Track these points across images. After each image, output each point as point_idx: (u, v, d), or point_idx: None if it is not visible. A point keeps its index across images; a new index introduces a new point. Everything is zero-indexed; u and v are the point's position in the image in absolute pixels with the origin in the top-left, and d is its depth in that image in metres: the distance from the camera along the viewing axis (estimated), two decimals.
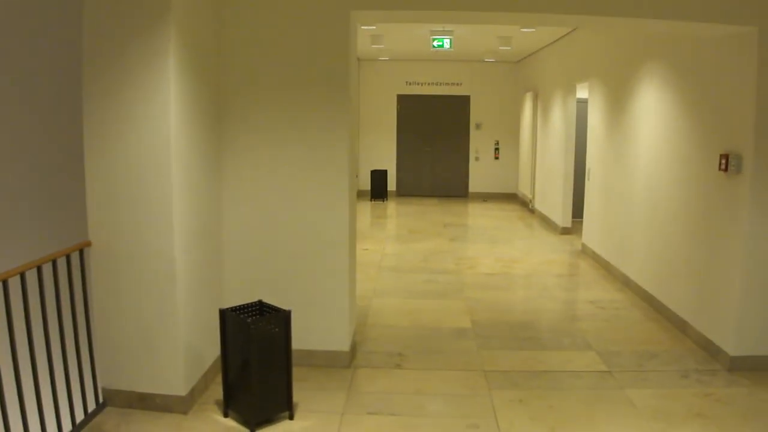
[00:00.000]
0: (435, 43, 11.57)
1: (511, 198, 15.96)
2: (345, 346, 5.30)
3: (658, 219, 6.90)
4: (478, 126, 16.17)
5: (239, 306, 4.56)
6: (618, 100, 8.32)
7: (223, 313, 4.43)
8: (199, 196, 4.76)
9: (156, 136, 4.23)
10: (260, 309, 4.62)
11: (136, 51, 4.18)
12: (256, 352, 4.27)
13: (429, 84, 15.98)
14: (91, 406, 4.37)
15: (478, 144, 16.27)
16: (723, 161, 5.42)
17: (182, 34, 4.31)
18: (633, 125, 7.76)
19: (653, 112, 7.10)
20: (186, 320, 4.50)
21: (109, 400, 4.51)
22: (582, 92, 10.82)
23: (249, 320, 4.38)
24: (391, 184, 16.10)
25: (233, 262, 5.24)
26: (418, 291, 7.70)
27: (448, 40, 11.43)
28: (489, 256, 9.70)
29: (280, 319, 4.43)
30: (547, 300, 7.52)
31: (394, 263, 9.20)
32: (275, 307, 4.55)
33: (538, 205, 13.27)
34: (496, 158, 16.29)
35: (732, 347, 5.33)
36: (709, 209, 5.78)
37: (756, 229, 5.19)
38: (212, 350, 4.81)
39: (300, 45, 5.05)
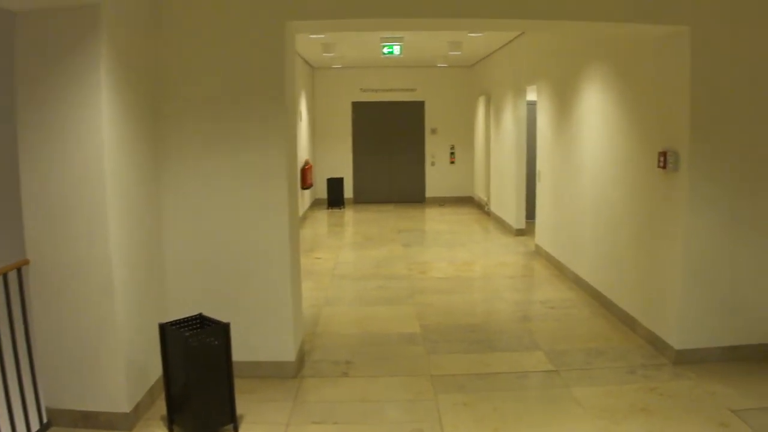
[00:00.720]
0: (385, 50, 11.59)
1: (468, 201, 16.03)
2: (291, 356, 5.24)
3: (605, 218, 6.96)
4: (433, 131, 16.21)
5: (179, 320, 4.49)
6: (564, 101, 8.40)
7: (163, 328, 4.36)
8: (137, 209, 4.68)
9: (89, 151, 4.17)
10: (201, 322, 4.55)
11: (68, 67, 4.12)
12: (197, 366, 4.21)
13: (383, 90, 15.98)
14: (35, 427, 4.25)
15: (434, 149, 16.31)
16: (662, 159, 5.48)
17: (115, 48, 4.25)
18: (578, 126, 7.83)
19: (596, 113, 7.17)
20: (127, 336, 4.42)
21: (54, 419, 4.39)
22: (532, 95, 10.90)
23: (187, 334, 4.32)
24: (348, 192, 16.05)
25: (176, 275, 5.15)
26: (370, 298, 7.66)
27: (398, 47, 11.44)
28: (443, 261, 9.70)
29: (220, 331, 4.37)
30: (499, 302, 7.53)
31: (346, 271, 9.15)
32: (215, 320, 4.49)
33: (494, 208, 13.33)
34: (452, 162, 16.34)
35: (677, 341, 5.39)
36: (651, 206, 5.84)
37: (694, 224, 5.26)
38: (157, 365, 4.72)
39: (237, 56, 4.99)
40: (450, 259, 9.74)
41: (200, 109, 5.03)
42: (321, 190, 15.69)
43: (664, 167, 5.46)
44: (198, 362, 4.22)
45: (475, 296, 7.86)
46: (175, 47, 4.97)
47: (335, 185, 15.47)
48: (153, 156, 4.97)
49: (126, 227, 4.47)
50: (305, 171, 13.40)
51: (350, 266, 9.51)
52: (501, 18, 5.18)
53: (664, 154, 5.44)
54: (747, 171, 5.31)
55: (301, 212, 13.17)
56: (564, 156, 8.45)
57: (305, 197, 14.02)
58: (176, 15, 4.95)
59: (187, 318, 4.53)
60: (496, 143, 13.04)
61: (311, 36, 10.04)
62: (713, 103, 5.19)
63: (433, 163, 16.32)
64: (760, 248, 5.39)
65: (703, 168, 5.22)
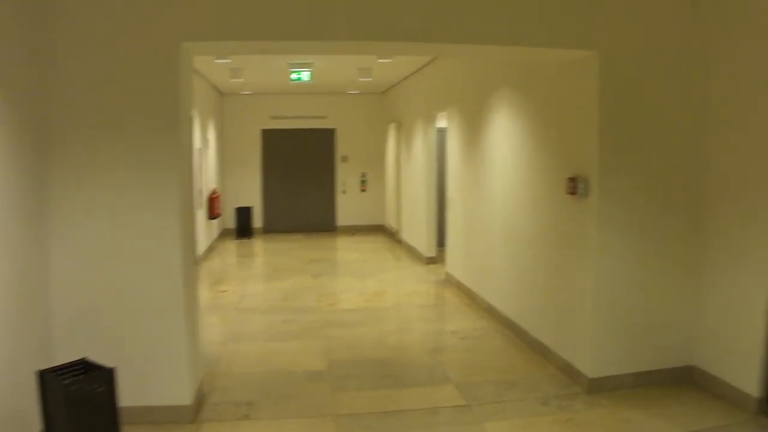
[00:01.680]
0: (293, 76, 11.34)
1: (379, 230, 15.84)
2: (187, 400, 4.83)
3: (515, 245, 6.85)
4: (344, 159, 15.98)
5: (61, 366, 4.04)
6: (474, 128, 8.31)
7: (42, 375, 3.91)
8: (13, 250, 4.18)
9: None
10: (84, 367, 4.11)
11: None
12: (79, 415, 3.81)
13: (294, 118, 15.67)
14: None
15: (345, 177, 16.08)
16: (571, 184, 5.39)
17: None
18: (488, 153, 7.75)
19: (506, 139, 7.10)
20: (2, 385, 3.92)
21: None
22: (443, 121, 10.83)
23: (67, 381, 3.89)
24: (258, 221, 15.62)
25: (62, 318, 4.64)
26: (276, 332, 7.27)
27: (307, 73, 11.21)
28: (353, 291, 9.41)
29: (104, 377, 3.98)
30: (409, 333, 7.30)
31: (253, 304, 8.73)
32: (100, 365, 4.07)
33: (405, 236, 13.17)
34: (363, 190, 16.13)
35: (590, 369, 5.28)
36: (561, 233, 5.75)
37: (604, 249, 5.19)
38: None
39: (130, 79, 4.58)
40: (360, 290, 9.47)
41: (87, 137, 4.58)
42: (230, 220, 15.19)
43: (573, 193, 5.37)
44: (81, 411, 3.82)
45: (385, 328, 7.59)
46: (66, 74, 4.51)
47: (244, 215, 15.03)
48: (38, 190, 4.45)
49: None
50: (213, 200, 12.93)
51: (257, 299, 9.10)
52: (410, 41, 4.97)
53: (573, 179, 5.36)
54: (655, 194, 5.28)
55: (208, 243, 12.70)
56: (474, 183, 8.34)
57: (213, 228, 13.53)
58: (67, 39, 4.52)
59: (70, 363, 4.08)
60: (407, 171, 12.92)
61: (217, 60, 9.69)
62: (622, 127, 5.17)
63: (344, 192, 16.07)
64: (669, 271, 5.37)
65: (613, 193, 5.16)
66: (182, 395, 4.83)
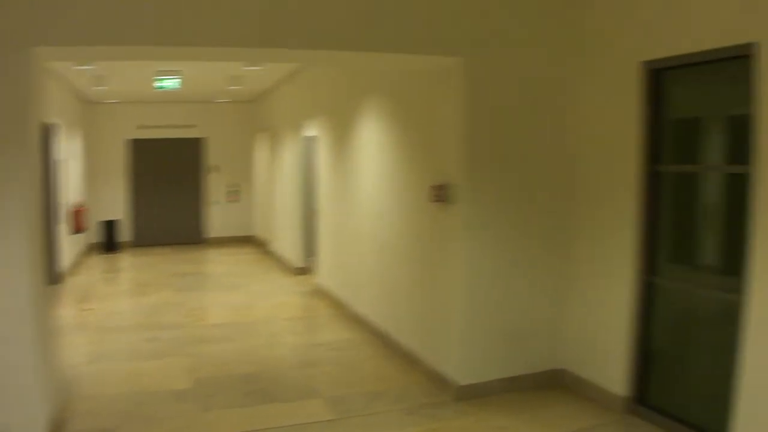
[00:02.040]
0: (157, 85, 10.93)
1: (250, 240, 15.49)
2: (40, 430, 4.48)
3: (383, 254, 6.83)
4: (214, 169, 15.54)
5: None
6: (343, 136, 8.26)
7: None
8: None
9: None
10: None
11: None
12: None
13: (162, 127, 15.03)
14: None
15: (216, 187, 15.66)
16: (436, 192, 5.42)
17: None
18: (356, 161, 7.71)
19: (374, 147, 7.08)
20: None
21: None
22: (313, 130, 10.72)
23: None
24: (126, 235, 14.96)
25: None
26: (141, 351, 6.88)
27: (174, 81, 10.78)
28: (220, 305, 9.15)
29: None
30: (278, 347, 7.10)
31: (118, 322, 8.25)
32: None
33: (275, 246, 12.95)
34: (235, 201, 15.78)
35: (459, 376, 5.31)
36: (427, 240, 5.77)
37: (470, 256, 5.23)
38: None
39: None
40: (228, 304, 9.20)
41: None
42: (96, 234, 14.47)
43: (439, 200, 5.40)
44: None
45: (253, 342, 7.35)
46: None
47: (109, 228, 14.34)
48: None
49: None
50: (77, 214, 12.24)
51: (122, 316, 8.62)
52: (275, 47, 4.84)
53: (438, 187, 5.39)
54: (520, 199, 5.40)
55: (73, 259, 12.00)
56: (343, 191, 8.29)
57: (78, 243, 12.83)
58: None
59: None
60: (277, 180, 12.73)
61: (76, 67, 9.16)
62: (487, 134, 5.24)
63: (215, 203, 15.65)
64: (536, 275, 5.50)
65: (478, 200, 5.22)
66: (35, 425, 4.45)
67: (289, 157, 11.55)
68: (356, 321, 7.76)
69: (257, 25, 4.66)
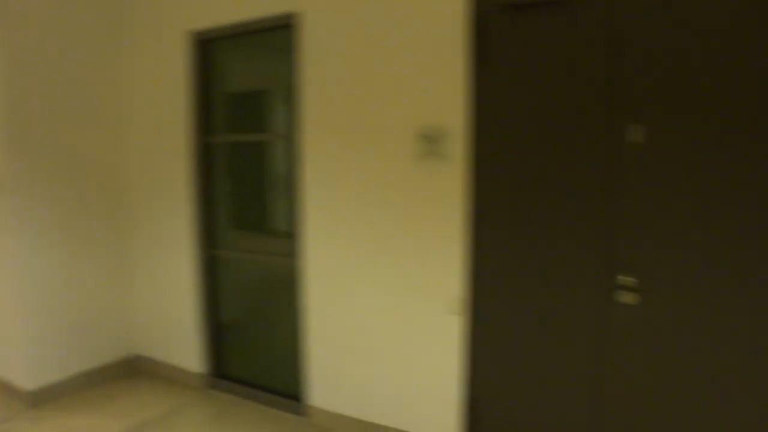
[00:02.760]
0: None
1: None
2: None
3: None
4: None
5: None
6: None
7: None
8: None
9: None
10: None
11: None
12: None
13: None
14: None
15: None
16: None
17: None
18: None
19: None
20: None
21: None
22: None
23: None
24: None
25: None
26: None
27: None
28: None
29: None
30: None
31: None
32: None
33: None
34: None
35: (28, 381, 4.88)
36: None
37: (26, 252, 4.79)
38: None
39: None
40: None
41: None
42: None
43: None
44: None
45: None
46: None
47: None
48: None
49: None
50: None
51: None
52: None
53: None
54: (76, 187, 5.06)
55: None
56: None
57: None
58: None
59: None
60: None
61: None
62: (28, 121, 4.76)
63: None
64: (101, 264, 5.30)
65: (29, 190, 4.76)
66: None
67: None
68: None
69: None
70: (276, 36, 4.42)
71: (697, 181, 3.07)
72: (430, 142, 3.73)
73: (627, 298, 3.32)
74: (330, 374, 4.35)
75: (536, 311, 3.59)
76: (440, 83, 3.65)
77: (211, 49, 4.80)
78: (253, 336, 4.97)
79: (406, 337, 3.99)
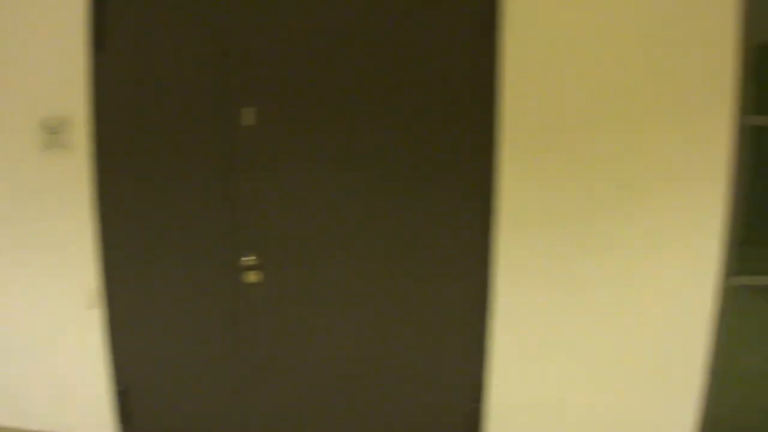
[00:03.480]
0: None
1: None
2: None
3: None
4: None
5: None
6: None
7: None
8: None
9: None
10: None
11: None
12: None
13: None
14: None
15: None
16: None
17: None
18: None
19: None
20: None
21: None
22: None
23: None
24: None
25: None
26: None
27: None
28: None
29: None
30: None
31: None
32: None
33: None
34: None
35: None
36: None
37: None
38: None
39: None
40: None
41: None
42: None
43: None
44: None
45: None
46: None
47: None
48: None
49: None
50: None
51: None
52: None
53: None
54: None
55: None
56: None
57: None
58: None
59: None
60: None
61: None
62: None
63: None
64: None
65: None
66: None
67: None
68: None
69: None
70: None
71: (303, 160, 3.24)
72: (54, 132, 3.57)
73: (252, 277, 3.41)
74: None
75: (174, 299, 3.57)
76: (62, 71, 3.50)
77: None
78: None
79: (50, 335, 3.80)
